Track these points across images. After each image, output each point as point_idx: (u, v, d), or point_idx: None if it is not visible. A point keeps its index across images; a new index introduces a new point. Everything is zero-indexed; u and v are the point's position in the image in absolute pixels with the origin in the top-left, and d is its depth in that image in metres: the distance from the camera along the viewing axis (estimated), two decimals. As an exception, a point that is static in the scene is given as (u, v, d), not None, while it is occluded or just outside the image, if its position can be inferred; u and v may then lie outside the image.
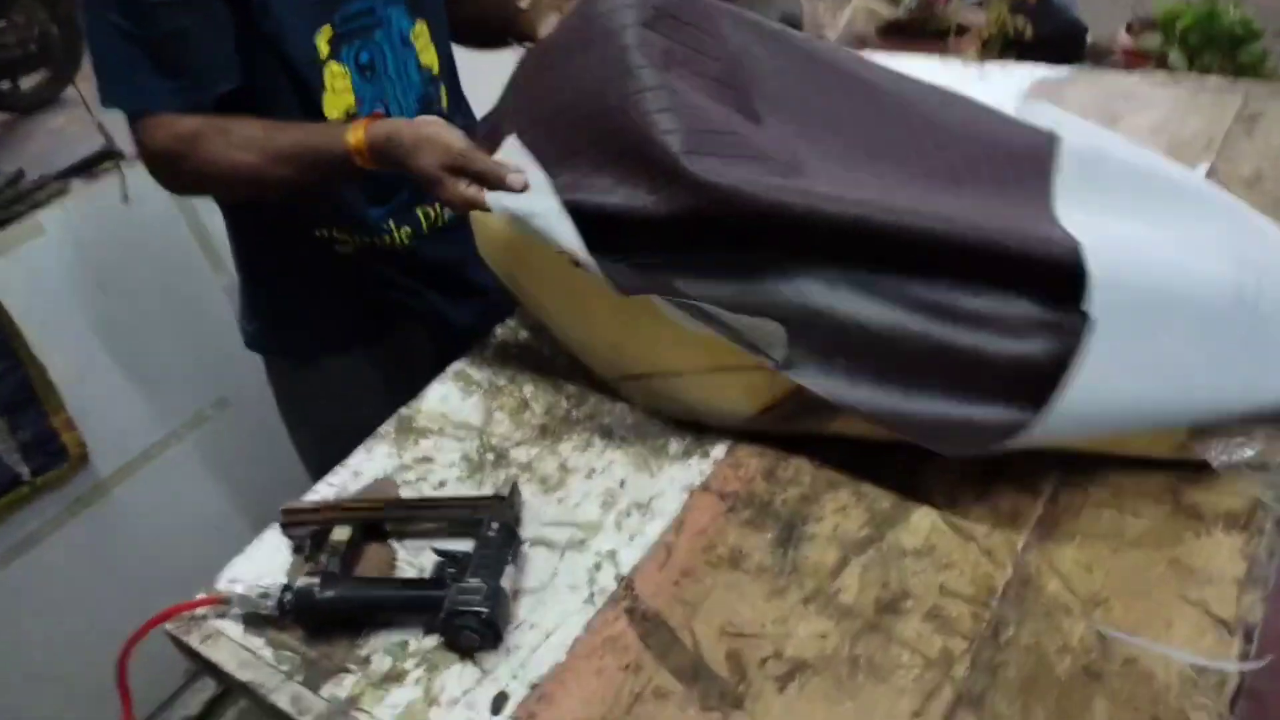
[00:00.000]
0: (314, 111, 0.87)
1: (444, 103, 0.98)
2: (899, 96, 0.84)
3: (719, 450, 0.75)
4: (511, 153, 0.78)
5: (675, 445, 0.76)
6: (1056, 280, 0.65)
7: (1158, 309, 0.64)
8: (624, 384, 0.81)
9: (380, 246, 0.95)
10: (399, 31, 0.92)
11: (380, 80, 0.91)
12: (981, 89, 1.14)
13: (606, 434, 0.79)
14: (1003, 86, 1.14)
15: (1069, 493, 0.67)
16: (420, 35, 0.94)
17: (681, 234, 0.72)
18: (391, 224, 0.95)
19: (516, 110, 0.83)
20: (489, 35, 1.03)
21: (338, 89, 0.88)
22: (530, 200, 0.73)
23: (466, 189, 0.74)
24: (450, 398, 0.85)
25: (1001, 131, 0.82)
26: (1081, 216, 0.72)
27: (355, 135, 0.78)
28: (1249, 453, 0.64)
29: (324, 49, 0.86)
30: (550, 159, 0.76)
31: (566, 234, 0.70)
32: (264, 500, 0.81)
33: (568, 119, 0.77)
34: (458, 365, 0.89)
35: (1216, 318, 0.65)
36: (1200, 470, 0.65)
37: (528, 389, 0.85)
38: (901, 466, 0.70)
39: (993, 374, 0.66)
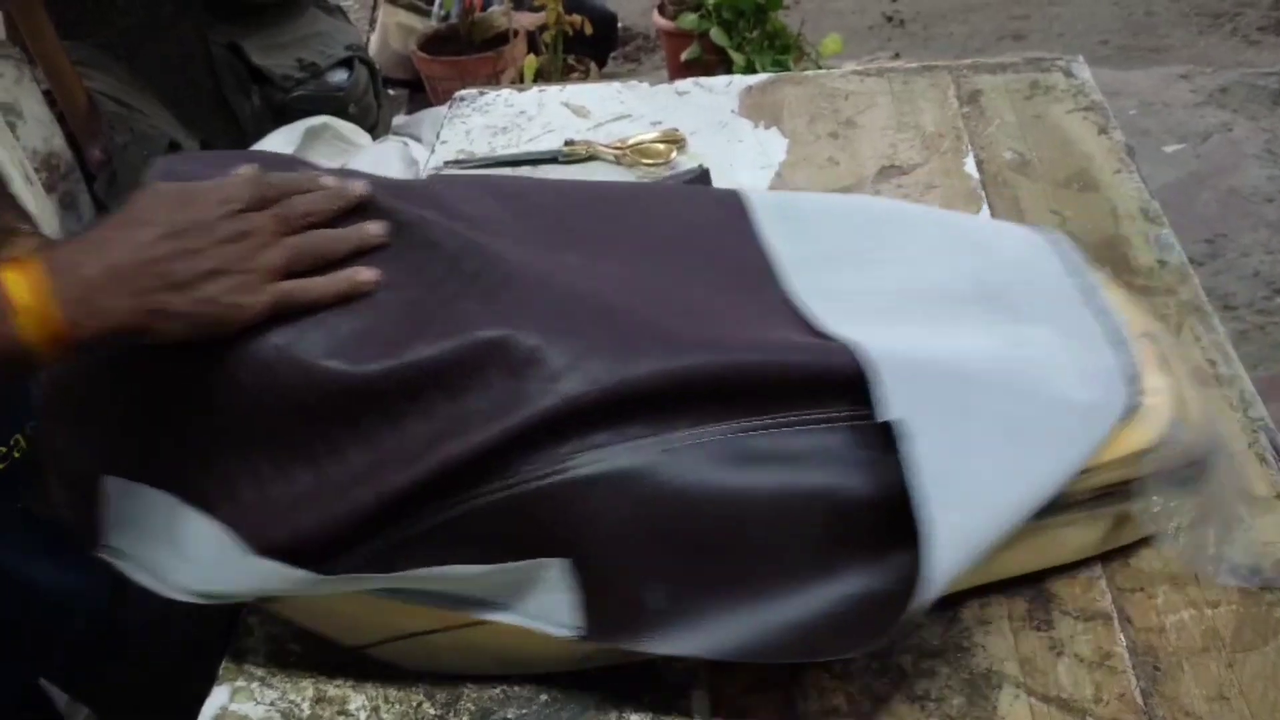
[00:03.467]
0: None
1: None
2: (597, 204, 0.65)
3: (700, 701, 0.52)
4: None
5: (638, 718, 0.52)
6: (836, 386, 0.51)
7: (949, 370, 0.52)
8: (383, 649, 0.54)
9: None
10: None
11: None
12: (686, 107, 1.01)
13: (527, 737, 0.52)
14: (708, 103, 1.01)
15: (1134, 608, 0.55)
16: None
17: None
18: None
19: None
20: None
21: None
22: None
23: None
24: (234, 768, 0.52)
25: (698, 209, 0.67)
26: (810, 281, 0.59)
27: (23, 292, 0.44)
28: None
29: None
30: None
31: None
32: None
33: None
34: (221, 697, 0.55)
35: (995, 348, 0.56)
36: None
37: (359, 704, 0.54)
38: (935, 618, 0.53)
39: (838, 526, 0.49)
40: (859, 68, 1.04)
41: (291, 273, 0.50)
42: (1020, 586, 0.55)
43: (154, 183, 0.52)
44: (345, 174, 0.57)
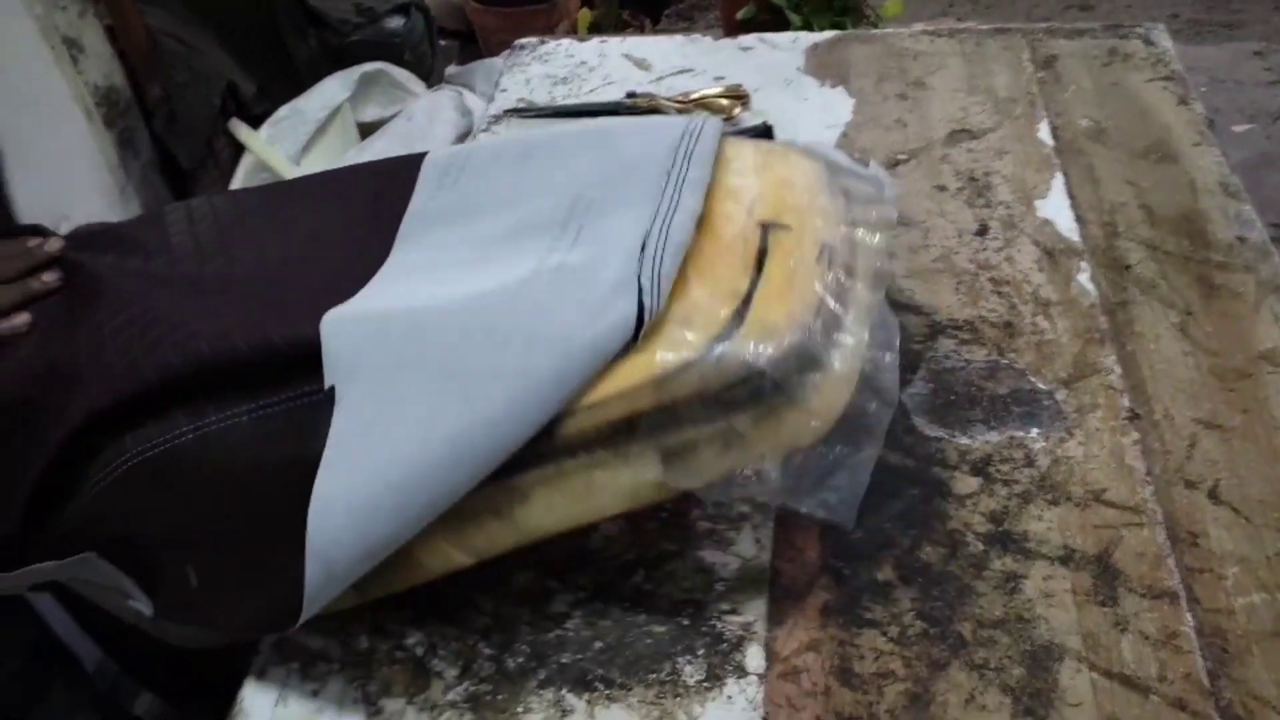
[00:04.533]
0: None
1: None
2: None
3: (755, 657, 0.52)
4: None
5: (692, 670, 0.52)
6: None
7: (405, 326, 0.51)
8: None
9: None
10: None
11: None
12: (750, 63, 0.99)
13: (581, 682, 0.52)
14: (772, 59, 0.99)
15: (1202, 588, 0.54)
16: None
17: None
18: None
19: None
20: None
21: None
22: None
23: None
24: (291, 697, 0.53)
25: (376, 179, 0.66)
26: (414, 236, 0.59)
27: None
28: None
29: None
30: None
31: None
32: None
33: None
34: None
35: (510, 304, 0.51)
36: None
37: (415, 639, 0.55)
38: (994, 579, 0.53)
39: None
40: (929, 28, 1.01)
41: None
42: (1085, 562, 0.55)
43: None
44: (50, 235, 0.63)
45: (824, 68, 0.97)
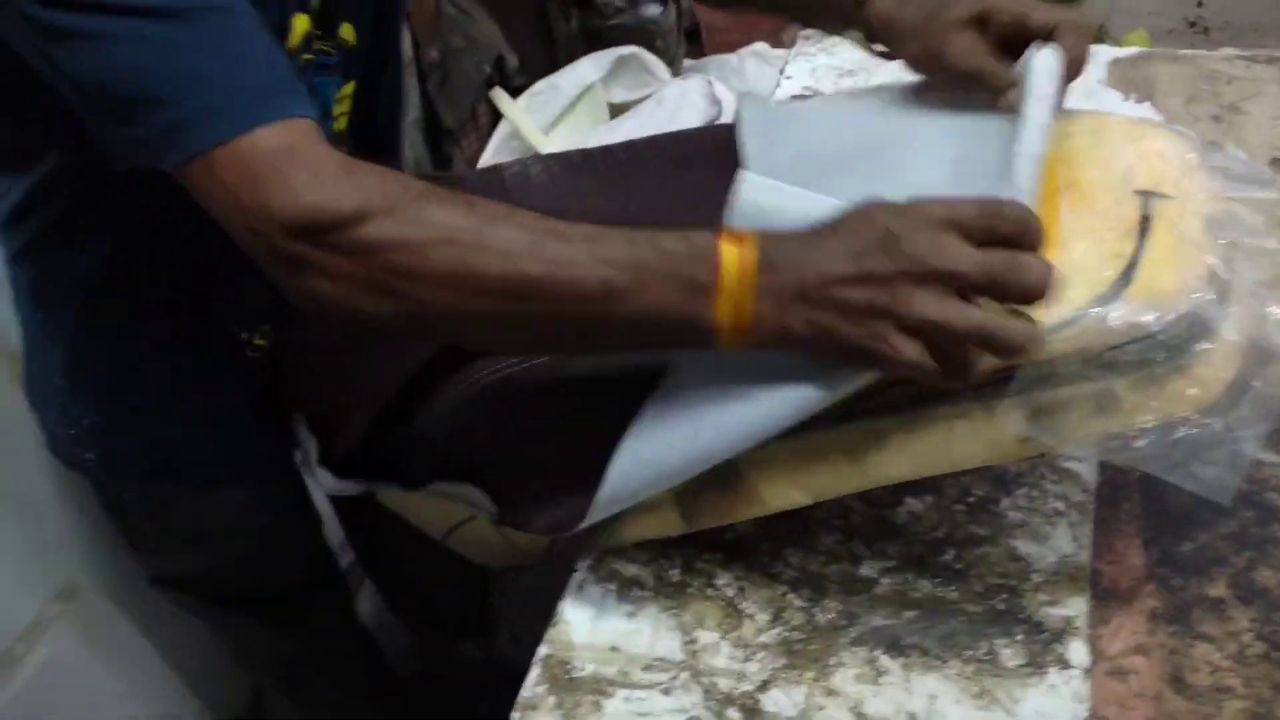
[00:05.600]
0: None
1: None
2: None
3: (1078, 651, 0.51)
4: None
5: (1011, 653, 0.52)
6: None
7: None
8: (449, 540, 0.66)
9: None
10: (324, 102, 0.66)
11: None
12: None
13: (894, 646, 0.52)
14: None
15: None
16: (341, 101, 0.67)
17: None
18: None
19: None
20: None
21: None
22: None
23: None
24: (608, 615, 0.55)
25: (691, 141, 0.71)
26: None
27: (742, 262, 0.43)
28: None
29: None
30: None
31: None
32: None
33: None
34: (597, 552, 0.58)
35: None
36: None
37: (725, 580, 0.56)
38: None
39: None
40: (1244, 53, 0.97)
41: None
42: None
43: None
44: None
45: (1128, 83, 0.94)
